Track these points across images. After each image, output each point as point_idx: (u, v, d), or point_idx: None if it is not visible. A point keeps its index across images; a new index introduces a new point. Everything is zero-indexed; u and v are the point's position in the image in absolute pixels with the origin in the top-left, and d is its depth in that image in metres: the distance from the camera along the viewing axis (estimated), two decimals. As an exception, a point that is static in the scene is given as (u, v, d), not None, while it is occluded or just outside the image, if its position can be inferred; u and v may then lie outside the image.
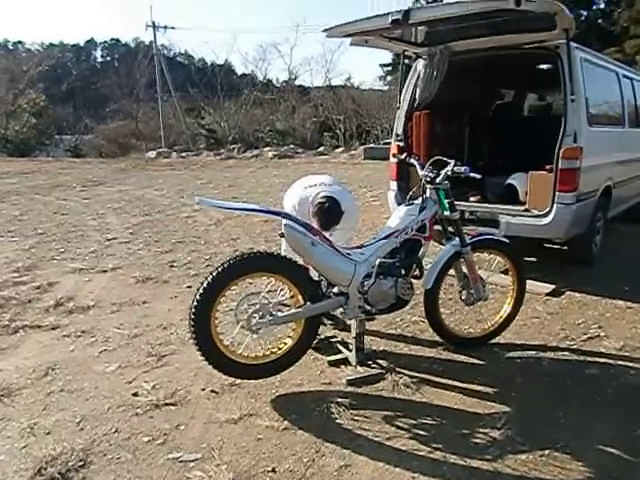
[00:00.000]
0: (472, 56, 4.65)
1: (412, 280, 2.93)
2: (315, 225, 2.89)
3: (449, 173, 2.82)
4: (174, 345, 3.36)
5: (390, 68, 35.48)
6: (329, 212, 2.93)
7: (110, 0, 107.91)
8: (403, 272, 2.88)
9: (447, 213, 2.93)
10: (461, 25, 4.34)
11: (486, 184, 4.76)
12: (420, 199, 2.91)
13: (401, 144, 4.84)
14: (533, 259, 5.05)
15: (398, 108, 4.95)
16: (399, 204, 4.84)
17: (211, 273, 2.57)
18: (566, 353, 3.13)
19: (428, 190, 2.91)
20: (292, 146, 21.24)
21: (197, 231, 6.69)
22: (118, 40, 58.43)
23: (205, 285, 2.54)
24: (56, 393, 2.79)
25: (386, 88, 31.39)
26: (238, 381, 2.80)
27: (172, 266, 5.13)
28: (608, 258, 4.97)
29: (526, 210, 4.29)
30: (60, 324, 3.71)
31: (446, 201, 2.91)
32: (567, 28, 3.75)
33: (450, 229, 3.04)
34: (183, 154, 20.55)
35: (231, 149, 20.91)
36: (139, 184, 12.02)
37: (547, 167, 4.28)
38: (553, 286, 4.20)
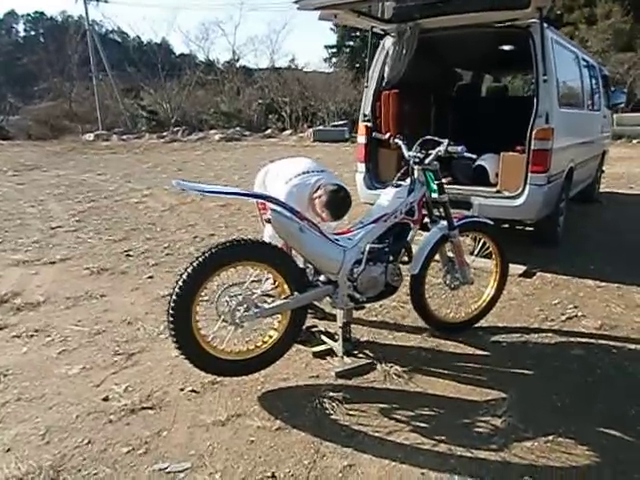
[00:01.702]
0: (439, 34, 4.56)
1: (400, 265, 2.82)
2: (325, 216, 2.74)
3: (441, 153, 2.70)
4: (142, 342, 3.09)
5: (335, 50, 35.31)
6: (343, 202, 2.75)
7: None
8: (392, 257, 2.75)
9: (435, 195, 2.82)
10: (430, 2, 4.24)
11: (454, 165, 4.73)
12: (408, 181, 2.77)
13: (369, 124, 4.69)
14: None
15: (366, 87, 4.79)
16: (368, 187, 4.80)
17: (191, 263, 2.33)
18: (549, 334, 3.13)
19: (416, 171, 2.78)
20: (238, 129, 20.76)
21: (150, 217, 6.32)
22: (42, 13, 54.58)
23: (185, 277, 2.31)
24: (12, 403, 2.47)
25: (331, 70, 31.25)
26: (219, 378, 2.60)
27: (128, 255, 4.79)
28: (568, 238, 5.08)
29: (498, 192, 4.27)
30: (7, 323, 3.34)
31: (435, 183, 2.79)
32: (541, 7, 3.70)
33: (436, 212, 2.94)
34: (124, 137, 19.61)
35: (175, 131, 20.16)
36: (79, 168, 11.32)
37: (518, 148, 4.27)
38: (524, 267, 4.23)
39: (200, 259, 2.32)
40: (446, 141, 2.69)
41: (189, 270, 2.32)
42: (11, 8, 56.73)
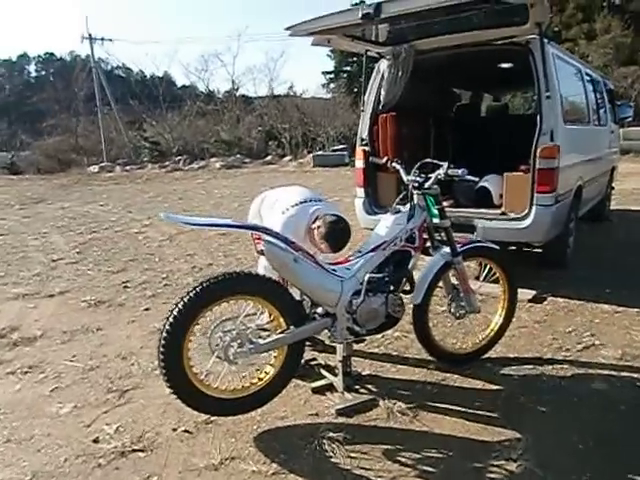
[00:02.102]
0: (435, 55, 4.52)
1: (402, 295, 2.69)
2: (324, 248, 2.64)
3: (441, 177, 2.60)
4: (136, 378, 2.96)
5: (333, 76, 35.76)
6: (342, 233, 2.64)
7: (43, 13, 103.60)
8: (393, 287, 2.62)
9: (437, 220, 2.71)
10: (426, 22, 4.19)
11: (455, 187, 4.62)
12: (407, 206, 2.66)
13: (367, 148, 4.62)
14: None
15: (362, 111, 4.73)
16: (367, 212, 4.70)
17: (182, 298, 2.22)
18: (565, 366, 2.95)
19: (415, 196, 2.67)
20: (239, 156, 20.90)
21: (150, 248, 6.23)
22: (53, 54, 55.85)
23: (175, 313, 2.19)
24: (0, 445, 2.36)
25: (329, 96, 31.58)
26: (213, 417, 2.46)
27: (126, 287, 4.69)
28: (579, 259, 4.92)
29: (503, 213, 4.15)
30: (3, 359, 3.25)
31: (435, 207, 2.68)
32: (540, 22, 3.64)
33: (438, 237, 2.82)
34: (127, 168, 19.75)
35: (177, 161, 20.29)
36: (83, 200, 11.33)
37: (522, 167, 4.17)
38: (534, 292, 4.07)
39: (191, 294, 2.21)
40: (445, 164, 2.59)
41: (179, 306, 2.20)
42: (24, 51, 58.15)
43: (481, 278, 3.12)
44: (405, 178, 2.71)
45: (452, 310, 2.94)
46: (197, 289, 2.21)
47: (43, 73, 54.10)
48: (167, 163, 19.98)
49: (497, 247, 2.99)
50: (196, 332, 2.33)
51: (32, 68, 58.12)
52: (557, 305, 3.94)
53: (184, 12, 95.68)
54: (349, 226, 2.69)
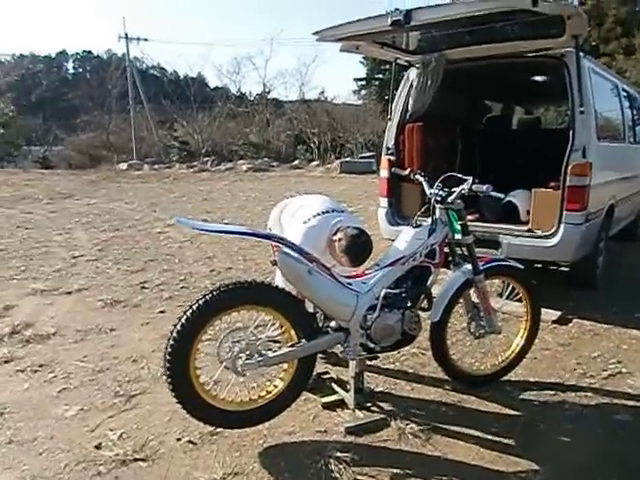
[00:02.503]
0: (466, 65, 4.41)
1: (419, 312, 2.59)
2: (344, 262, 2.56)
3: (464, 192, 2.49)
4: (145, 382, 2.93)
5: (364, 82, 35.70)
6: (364, 248, 2.55)
7: (83, 11, 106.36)
8: (410, 304, 2.53)
9: (459, 236, 2.60)
10: (457, 31, 4.10)
11: (481, 201, 4.48)
12: (429, 220, 2.57)
13: (392, 158, 4.53)
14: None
15: (389, 119, 4.64)
16: (390, 223, 4.60)
17: (190, 306, 2.17)
18: (589, 394, 2.80)
19: (438, 210, 2.57)
20: (266, 159, 20.92)
21: (170, 248, 6.24)
22: (90, 52, 57.02)
23: (183, 321, 2.14)
24: (3, 446, 2.34)
25: (360, 102, 31.52)
26: (219, 429, 2.40)
27: (143, 287, 4.69)
28: (608, 280, 4.73)
29: (529, 230, 4.00)
30: (15, 356, 3.24)
31: (458, 223, 2.57)
32: (577, 35, 3.50)
33: (459, 253, 2.71)
34: (155, 166, 19.96)
35: (204, 162, 20.44)
36: (109, 197, 11.49)
37: (552, 184, 4.02)
38: (559, 313, 3.91)
39: (200, 302, 2.16)
40: (470, 179, 2.49)
41: (188, 313, 2.16)
42: (63, 48, 59.51)
43: (504, 296, 3.00)
44: (428, 191, 2.62)
45: (471, 329, 2.83)
46: (207, 297, 2.16)
47: (80, 70, 55.34)
48: (195, 163, 20.15)
49: (521, 266, 2.86)
50: (205, 340, 2.28)
51: (70, 65, 59.55)
52: (583, 328, 3.78)
53: (219, 14, 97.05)
54: (371, 240, 2.60)
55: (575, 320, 3.90)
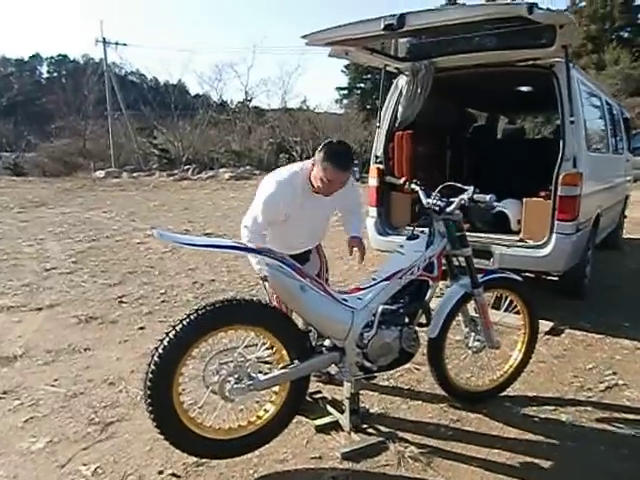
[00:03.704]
0: (455, 74, 4.35)
1: (417, 328, 2.46)
2: (328, 175, 2.31)
3: (464, 202, 2.38)
4: (123, 407, 2.73)
5: (346, 92, 35.89)
6: (345, 148, 2.42)
7: (58, 14, 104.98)
8: (407, 320, 2.40)
9: (457, 249, 2.49)
10: (448, 38, 4.04)
11: (470, 210, 4.39)
12: (427, 232, 2.44)
13: (381, 166, 4.42)
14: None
15: (378, 127, 4.54)
16: (379, 233, 4.48)
17: (173, 327, 2.00)
18: (588, 408, 2.72)
19: (436, 221, 2.45)
20: (248, 167, 20.71)
21: (150, 260, 6.01)
22: (66, 56, 55.94)
23: (165, 344, 1.97)
24: (-43, 489, 2.12)
25: (342, 111, 31.60)
26: (205, 459, 2.22)
27: (121, 302, 4.46)
28: (595, 289, 4.69)
29: (521, 240, 3.93)
30: (-25, 382, 2.99)
31: (457, 234, 2.46)
32: (567, 45, 3.46)
33: (457, 265, 2.60)
34: (134, 174, 19.57)
35: (185, 169, 20.12)
36: (85, 206, 11.16)
37: (542, 193, 3.96)
38: (552, 323, 3.84)
39: (184, 322, 1.99)
40: (471, 188, 2.38)
41: (171, 335, 1.98)
42: (36, 51, 58.36)
43: (502, 308, 2.89)
44: (425, 201, 2.49)
45: (469, 344, 2.71)
46: (191, 317, 2.00)
47: (55, 75, 54.22)
48: (175, 171, 19.81)
49: (520, 279, 2.76)
50: (189, 364, 2.11)
51: (44, 69, 58.45)
52: (575, 339, 3.72)
53: (200, 21, 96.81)
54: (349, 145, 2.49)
55: (567, 331, 3.85)
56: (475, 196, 2.35)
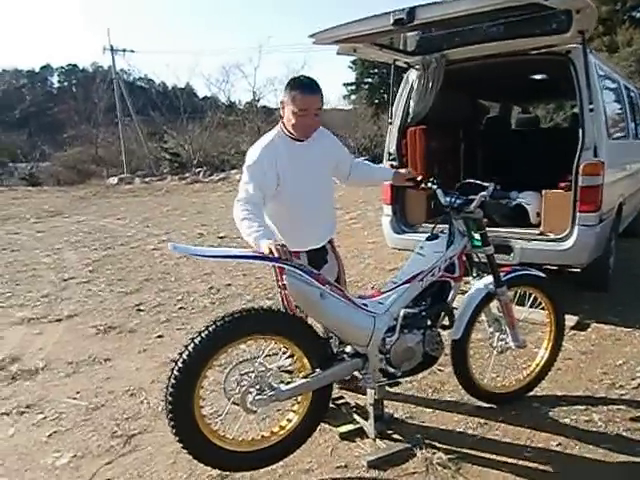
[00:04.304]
0: (466, 65, 4.25)
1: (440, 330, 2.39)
2: (293, 106, 2.21)
3: (484, 199, 2.31)
4: (145, 419, 2.71)
5: (354, 87, 35.71)
6: (309, 77, 2.31)
7: (68, 25, 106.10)
8: (430, 323, 2.33)
9: (479, 247, 2.41)
10: (459, 30, 3.94)
11: (488, 204, 4.30)
12: (447, 231, 2.38)
13: (395, 163, 4.33)
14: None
15: (390, 124, 4.46)
16: (395, 231, 4.41)
17: (192, 339, 1.97)
18: (621, 407, 2.62)
19: (455, 220, 2.38)
20: (260, 168, 20.66)
21: (166, 266, 6.01)
22: (75, 65, 56.59)
23: (185, 357, 1.93)
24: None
25: (350, 107, 31.45)
26: (229, 472, 2.19)
27: (139, 310, 4.46)
28: (619, 280, 4.56)
29: (541, 233, 3.83)
30: (-1, 396, 3.00)
31: (478, 233, 2.39)
32: (584, 30, 3.34)
33: (479, 264, 2.53)
34: (146, 179, 19.69)
35: (197, 173, 20.18)
36: (100, 213, 11.23)
37: (562, 184, 3.86)
38: (576, 317, 3.73)
39: (203, 334, 1.95)
40: (492, 186, 2.30)
41: (190, 348, 1.95)
42: (47, 62, 59.11)
43: (527, 305, 2.81)
44: (443, 200, 2.42)
45: (494, 344, 2.64)
46: (210, 329, 1.95)
47: (65, 84, 54.84)
48: (187, 175, 19.88)
49: (543, 275, 2.68)
50: (209, 375, 2.07)
51: (55, 79, 59.14)
52: (603, 333, 3.61)
53: (206, 24, 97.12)
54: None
55: (593, 325, 3.74)
56: (496, 194, 2.28)
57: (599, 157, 3.56)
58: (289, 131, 2.33)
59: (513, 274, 2.58)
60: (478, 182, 2.39)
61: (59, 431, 2.62)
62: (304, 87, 2.23)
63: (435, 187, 2.48)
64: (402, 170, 2.67)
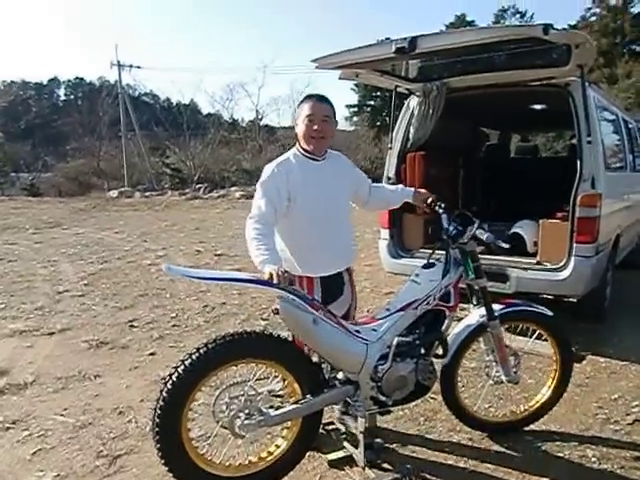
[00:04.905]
0: (467, 94, 4.31)
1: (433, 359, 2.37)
2: (306, 112, 2.27)
3: (470, 233, 2.30)
4: (132, 438, 2.67)
5: (356, 109, 36.10)
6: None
7: (75, 39, 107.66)
8: (423, 351, 2.31)
9: (472, 279, 2.40)
10: (459, 59, 4.01)
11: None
12: (443, 259, 2.37)
13: (395, 188, 4.36)
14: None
15: (389, 148, 4.50)
16: (392, 256, 4.41)
17: (182, 362, 1.95)
18: (616, 443, 2.58)
19: (451, 249, 2.38)
20: (260, 186, 20.76)
21: (161, 282, 5.98)
22: (82, 79, 57.23)
23: (174, 379, 1.92)
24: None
25: (352, 128, 31.74)
26: (215, 495, 2.14)
27: (132, 326, 4.43)
28: (615, 311, 4.55)
29: (538, 263, 3.83)
30: (-16, 411, 2.96)
31: (472, 265, 2.37)
32: (582, 64, 3.40)
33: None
34: (147, 194, 19.74)
35: (197, 189, 20.25)
36: (98, 226, 11.22)
37: (559, 214, 3.87)
38: (572, 349, 3.70)
39: (193, 357, 1.94)
40: (476, 223, 2.30)
41: (180, 370, 1.93)
42: (55, 75, 59.75)
43: (533, 336, 2.77)
44: (445, 226, 2.41)
45: (490, 374, 2.61)
46: (201, 351, 1.94)
47: (72, 97, 55.42)
48: (187, 190, 19.94)
49: (550, 313, 2.60)
50: (198, 398, 2.05)
51: (61, 92, 59.82)
52: (598, 366, 3.58)
53: (212, 43, 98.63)
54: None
55: (589, 357, 3.71)
56: (477, 231, 2.28)
57: (597, 189, 3.59)
58: (304, 148, 2.36)
59: (510, 309, 2.54)
60: (469, 214, 2.38)
61: (44, 449, 2.57)
62: (313, 96, 2.35)
63: (441, 211, 2.47)
64: (422, 190, 2.65)
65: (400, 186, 2.77)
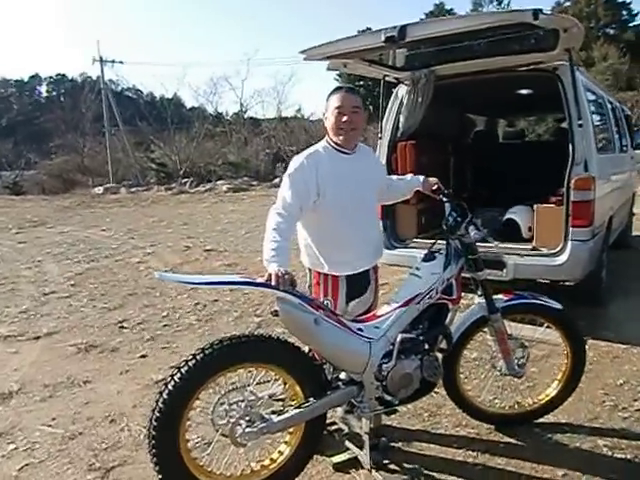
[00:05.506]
0: (456, 81, 4.25)
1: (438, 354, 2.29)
2: (335, 104, 2.21)
3: (463, 228, 2.23)
4: (125, 449, 2.55)
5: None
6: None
7: (56, 35, 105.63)
8: (428, 347, 2.23)
9: (471, 272, 2.31)
10: (448, 47, 3.92)
11: (480, 219, 4.26)
12: (444, 251, 2.28)
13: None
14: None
15: (379, 138, 4.40)
16: (386, 246, 4.29)
17: (179, 369, 1.84)
18: (626, 431, 2.53)
19: (452, 240, 2.29)
20: (246, 178, 20.59)
21: (151, 280, 5.82)
22: (64, 75, 56.24)
23: (170, 387, 1.81)
24: None
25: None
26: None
27: (122, 327, 4.30)
28: (612, 293, 4.52)
29: (534, 249, 3.77)
30: (-32, 424, 2.82)
31: (470, 257, 2.28)
32: (570, 48, 3.34)
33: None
34: (132, 189, 19.45)
35: (183, 183, 20.00)
36: (84, 224, 11.00)
37: (553, 199, 3.81)
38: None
39: (190, 363, 1.83)
40: (469, 217, 2.24)
41: (176, 378, 1.82)
42: (36, 72, 58.53)
43: (544, 325, 2.69)
44: (447, 216, 2.32)
45: (496, 365, 2.53)
46: (198, 357, 1.84)
47: (54, 94, 54.35)
48: (173, 185, 19.67)
49: (559, 306, 2.50)
50: (196, 406, 1.94)
51: (43, 89, 58.71)
52: (600, 350, 3.54)
53: (195, 36, 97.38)
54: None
55: (590, 341, 3.64)
56: (470, 227, 2.21)
57: (590, 172, 3.55)
58: (334, 141, 2.28)
59: (516, 301, 2.45)
60: (464, 206, 2.30)
61: (31, 464, 2.44)
62: (340, 88, 2.30)
63: (445, 200, 2.38)
64: (431, 179, 2.56)
65: (409, 175, 2.68)
